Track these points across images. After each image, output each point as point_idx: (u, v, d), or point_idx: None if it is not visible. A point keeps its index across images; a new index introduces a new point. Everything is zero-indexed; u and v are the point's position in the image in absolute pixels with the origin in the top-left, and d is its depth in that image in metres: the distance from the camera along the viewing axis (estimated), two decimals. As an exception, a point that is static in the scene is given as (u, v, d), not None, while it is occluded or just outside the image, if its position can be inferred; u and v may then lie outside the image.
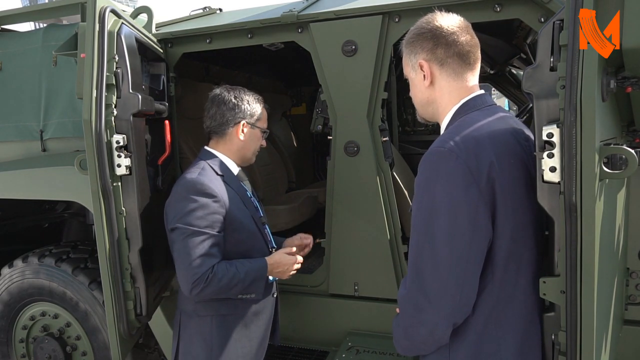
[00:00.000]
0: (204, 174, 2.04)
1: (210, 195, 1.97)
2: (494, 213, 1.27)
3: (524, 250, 1.34)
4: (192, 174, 2.03)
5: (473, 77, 1.43)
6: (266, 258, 2.10)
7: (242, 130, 2.16)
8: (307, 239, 2.36)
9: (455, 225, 1.25)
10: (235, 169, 2.19)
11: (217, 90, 2.21)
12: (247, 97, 2.19)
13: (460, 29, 1.39)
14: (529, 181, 1.35)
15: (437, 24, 1.39)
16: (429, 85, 1.43)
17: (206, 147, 2.20)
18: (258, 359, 2.20)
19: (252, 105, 2.19)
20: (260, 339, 2.20)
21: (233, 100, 2.15)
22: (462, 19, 1.42)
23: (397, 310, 1.46)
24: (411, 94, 1.52)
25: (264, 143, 2.29)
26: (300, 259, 2.18)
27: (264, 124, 2.25)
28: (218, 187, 2.02)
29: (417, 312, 1.31)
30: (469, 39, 1.39)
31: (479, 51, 1.43)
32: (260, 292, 2.08)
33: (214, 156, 2.15)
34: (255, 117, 2.19)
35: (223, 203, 2.01)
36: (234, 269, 1.97)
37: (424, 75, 1.42)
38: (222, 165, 2.14)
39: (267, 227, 2.28)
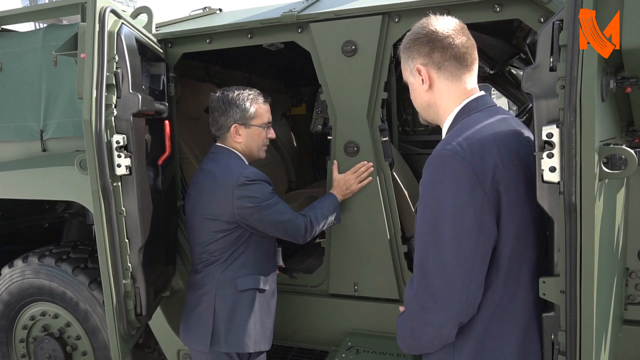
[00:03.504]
0: (248, 166, 2.24)
1: (267, 181, 2.24)
2: (498, 214, 1.29)
3: (526, 249, 1.35)
4: (241, 166, 2.22)
5: (471, 79, 1.44)
6: (330, 191, 2.43)
7: (237, 133, 2.25)
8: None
9: (461, 228, 1.26)
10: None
11: (212, 96, 2.31)
12: (236, 99, 2.23)
13: (456, 31, 1.40)
14: (531, 181, 1.36)
15: (432, 28, 1.40)
16: (428, 89, 1.45)
17: (219, 144, 2.30)
18: (272, 336, 2.37)
19: (242, 107, 2.24)
20: (273, 319, 2.38)
21: (222, 105, 2.25)
22: (457, 21, 1.43)
23: (401, 309, 1.47)
24: (411, 97, 1.53)
25: (271, 135, 2.35)
26: (354, 167, 2.41)
27: (260, 121, 2.29)
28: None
29: (424, 313, 1.32)
30: (464, 40, 1.40)
31: (476, 52, 1.44)
32: (340, 217, 2.43)
33: (232, 152, 2.27)
34: (247, 117, 2.25)
35: (272, 185, 2.28)
36: (318, 210, 2.33)
37: (422, 80, 1.44)
38: (244, 162, 2.28)
39: None
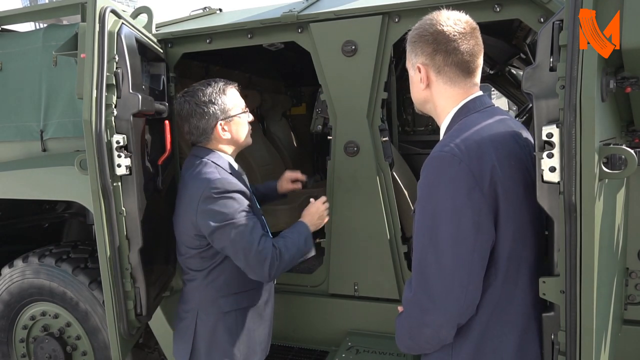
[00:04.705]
0: (223, 172, 2.05)
1: (240, 191, 2.02)
2: (496, 215, 1.28)
3: (524, 249, 1.35)
4: (212, 174, 2.01)
5: (472, 83, 1.42)
6: (300, 220, 2.20)
7: (223, 129, 2.11)
8: (295, 175, 2.58)
9: (459, 230, 1.26)
10: (235, 164, 2.20)
11: (178, 105, 2.13)
12: (210, 97, 2.07)
13: (464, 35, 1.36)
14: (529, 182, 1.36)
15: (439, 28, 1.36)
16: (425, 87, 1.44)
17: (200, 145, 2.16)
18: (269, 343, 2.29)
19: (219, 102, 2.08)
20: (270, 325, 2.28)
21: (198, 109, 2.07)
22: (468, 20, 1.39)
23: (400, 309, 1.47)
24: (410, 89, 1.53)
25: (251, 118, 2.22)
26: (322, 198, 2.29)
27: (239, 108, 2.16)
28: (239, 182, 2.07)
29: (422, 314, 1.32)
30: (471, 45, 1.37)
31: (482, 57, 1.42)
32: (313, 248, 2.15)
33: (212, 152, 2.13)
34: (227, 111, 2.11)
35: (248, 196, 2.08)
36: (288, 240, 2.07)
37: (421, 78, 1.43)
38: (225, 162, 2.14)
39: (263, 217, 2.32)
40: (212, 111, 2.08)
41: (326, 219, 2.29)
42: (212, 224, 1.95)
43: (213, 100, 2.08)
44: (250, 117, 2.23)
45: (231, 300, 2.11)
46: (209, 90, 2.09)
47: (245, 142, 2.21)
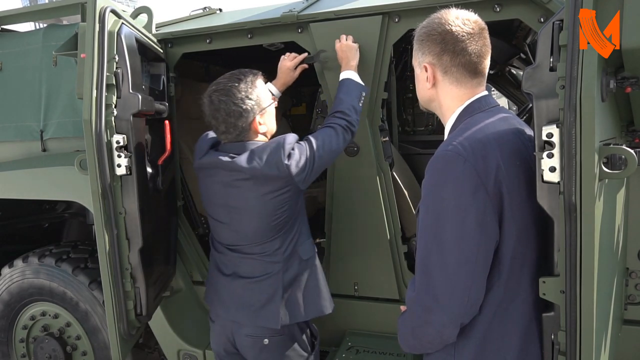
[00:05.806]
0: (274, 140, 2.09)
1: (294, 140, 2.09)
2: (500, 215, 1.28)
3: (527, 249, 1.35)
4: (274, 139, 2.06)
5: (478, 84, 1.42)
6: (341, 76, 2.26)
7: (259, 123, 2.04)
8: (294, 60, 2.52)
9: (463, 229, 1.26)
10: None
11: (212, 105, 2.00)
12: (245, 92, 1.98)
13: (472, 35, 1.35)
14: (532, 181, 1.36)
15: (448, 27, 1.35)
16: (431, 87, 1.44)
17: (235, 142, 2.06)
18: None
19: (254, 97, 2.00)
20: None
21: (236, 107, 1.96)
22: (477, 20, 1.37)
23: (402, 308, 1.47)
24: (416, 87, 1.53)
25: (276, 104, 2.18)
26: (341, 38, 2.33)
27: (269, 98, 2.09)
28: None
29: (425, 314, 1.32)
30: (479, 47, 1.36)
31: (489, 58, 1.41)
32: (362, 86, 2.26)
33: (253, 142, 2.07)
34: (262, 104, 2.03)
35: None
36: (339, 103, 2.19)
37: (427, 77, 1.43)
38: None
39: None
40: (250, 107, 1.99)
41: (355, 44, 2.29)
42: (302, 159, 2.01)
43: (249, 96, 1.99)
44: (276, 103, 2.19)
45: (306, 247, 2.14)
46: (242, 85, 1.99)
47: (275, 129, 2.18)
